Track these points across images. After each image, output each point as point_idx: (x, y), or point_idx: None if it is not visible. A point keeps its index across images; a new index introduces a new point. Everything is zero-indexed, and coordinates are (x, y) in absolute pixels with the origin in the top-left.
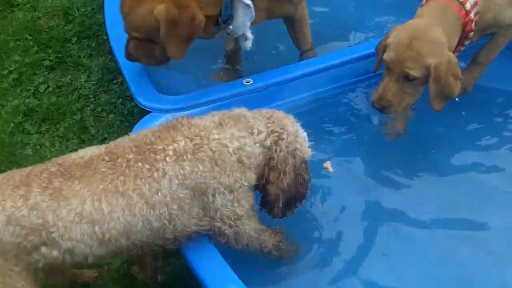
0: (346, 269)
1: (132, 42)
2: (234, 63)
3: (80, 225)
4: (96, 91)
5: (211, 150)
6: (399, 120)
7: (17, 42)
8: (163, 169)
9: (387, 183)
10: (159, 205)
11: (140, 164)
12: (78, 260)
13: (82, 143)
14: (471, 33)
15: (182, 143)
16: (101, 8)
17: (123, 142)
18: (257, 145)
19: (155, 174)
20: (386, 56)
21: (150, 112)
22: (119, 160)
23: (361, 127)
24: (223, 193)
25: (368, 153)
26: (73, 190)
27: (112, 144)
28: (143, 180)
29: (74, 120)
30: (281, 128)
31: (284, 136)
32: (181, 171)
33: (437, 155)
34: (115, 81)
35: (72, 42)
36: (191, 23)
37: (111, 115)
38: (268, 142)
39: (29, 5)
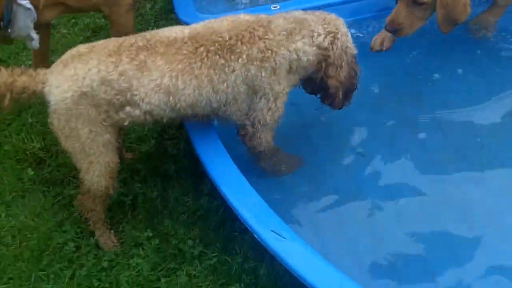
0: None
1: None
2: (43, 61)
3: (158, 93)
4: (157, 17)
5: (275, 61)
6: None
7: None
8: (233, 67)
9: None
10: (221, 93)
11: (217, 57)
12: (155, 119)
13: None
14: None
15: (255, 52)
16: None
17: (207, 30)
18: (314, 48)
19: (226, 69)
20: None
21: None
22: (201, 49)
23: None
24: (269, 99)
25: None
26: (155, 64)
27: (193, 29)
28: (215, 71)
29: None
30: (336, 29)
31: (339, 35)
32: (247, 73)
33: None
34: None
35: None
36: None
37: None
38: (325, 43)
39: None
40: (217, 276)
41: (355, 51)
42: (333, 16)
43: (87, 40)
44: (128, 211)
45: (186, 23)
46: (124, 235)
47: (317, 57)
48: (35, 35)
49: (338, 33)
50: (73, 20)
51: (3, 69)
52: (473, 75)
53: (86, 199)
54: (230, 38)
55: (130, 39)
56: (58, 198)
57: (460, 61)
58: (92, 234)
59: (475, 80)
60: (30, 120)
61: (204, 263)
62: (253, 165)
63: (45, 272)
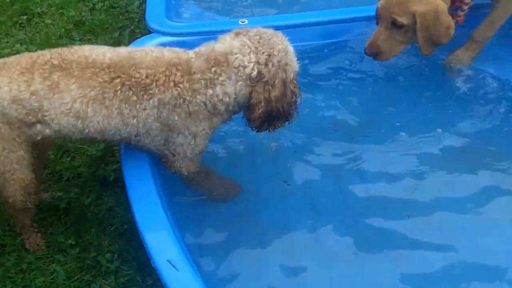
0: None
1: None
2: None
3: (67, 116)
4: (142, 16)
5: (188, 108)
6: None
7: None
8: (145, 105)
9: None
10: (132, 126)
11: (131, 92)
12: (65, 138)
13: None
14: None
15: (168, 97)
16: None
17: (128, 61)
18: (240, 83)
19: (138, 106)
20: (378, 4)
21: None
22: (117, 80)
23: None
24: (187, 136)
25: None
26: (68, 87)
27: (116, 56)
28: (126, 105)
29: (112, 37)
30: (271, 49)
31: (275, 53)
32: (159, 114)
33: None
34: None
35: None
36: None
37: None
38: (254, 72)
39: None
40: None
41: (296, 68)
42: (269, 32)
43: (67, 32)
44: (62, 215)
45: (153, 30)
46: (51, 239)
47: (247, 88)
48: None
49: (273, 51)
50: (60, 11)
51: None
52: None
53: (7, 208)
54: (147, 77)
55: (45, 55)
56: None
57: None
58: (20, 234)
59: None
60: None
61: (118, 280)
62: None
63: None
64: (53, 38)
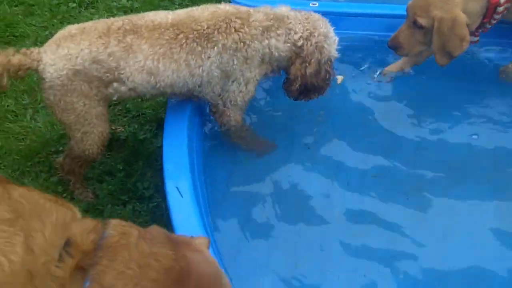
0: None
1: None
2: None
3: (141, 73)
4: None
5: (247, 52)
6: None
7: None
8: (209, 54)
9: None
10: (197, 76)
11: (195, 44)
12: (139, 95)
13: None
14: (501, 8)
15: (230, 42)
16: None
17: (188, 18)
18: (288, 45)
19: (202, 55)
20: (408, 3)
21: None
22: (181, 35)
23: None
24: (240, 83)
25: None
26: (140, 47)
27: (177, 16)
28: (193, 56)
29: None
30: (313, 28)
31: (316, 34)
32: (221, 59)
33: None
34: None
35: None
36: None
37: None
38: (300, 42)
39: None
40: (153, 218)
41: (333, 54)
42: (316, 16)
43: None
44: (120, 145)
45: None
46: (105, 161)
47: (290, 53)
48: None
49: (315, 32)
50: None
51: None
52: None
53: (70, 163)
54: (208, 28)
55: (118, 22)
56: None
57: None
58: None
59: None
60: None
61: (149, 204)
62: (225, 140)
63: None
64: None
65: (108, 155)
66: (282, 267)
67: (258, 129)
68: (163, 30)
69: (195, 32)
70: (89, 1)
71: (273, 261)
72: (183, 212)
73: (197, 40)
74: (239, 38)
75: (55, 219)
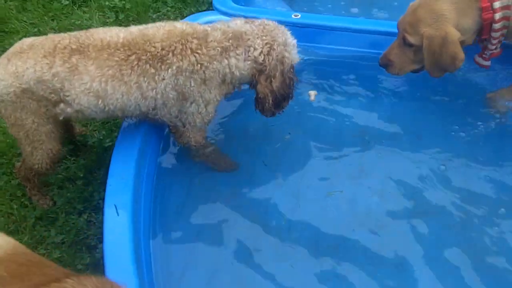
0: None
1: None
2: None
3: (87, 96)
4: None
5: (205, 74)
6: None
7: None
8: (163, 76)
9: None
10: (150, 99)
11: (148, 66)
12: (87, 118)
13: None
14: (496, 25)
15: (185, 64)
16: None
17: (142, 38)
18: (249, 62)
19: (156, 77)
20: (399, 19)
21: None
22: (132, 57)
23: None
24: (200, 105)
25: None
26: (86, 68)
27: (129, 34)
28: (145, 78)
29: (198, 10)
30: (272, 40)
31: (275, 46)
32: (176, 81)
33: None
34: None
35: None
36: None
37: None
38: (261, 58)
39: None
40: None
41: (294, 61)
42: (272, 25)
43: None
44: (87, 151)
45: (222, 13)
46: (68, 168)
47: (252, 70)
48: None
49: (274, 43)
50: None
51: None
52: None
53: (25, 171)
54: (163, 49)
55: (65, 40)
56: None
57: None
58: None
59: None
60: None
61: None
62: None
63: None
64: (149, 0)
65: (74, 160)
66: None
67: (223, 146)
68: (112, 50)
69: (148, 54)
70: (82, 0)
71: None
72: (116, 232)
73: (150, 61)
74: (196, 60)
75: None
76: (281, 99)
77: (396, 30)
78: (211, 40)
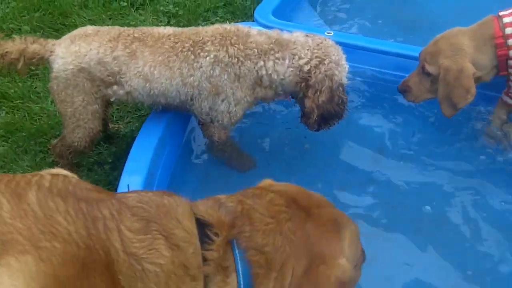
0: None
1: None
2: None
3: (138, 79)
4: None
5: (240, 70)
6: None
7: None
8: (201, 63)
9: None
10: (189, 86)
11: (189, 53)
12: (135, 101)
13: None
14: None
15: (222, 54)
16: None
17: (190, 30)
18: (291, 68)
19: (195, 64)
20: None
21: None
22: (178, 44)
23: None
24: (230, 103)
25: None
26: (142, 54)
27: (181, 29)
28: (186, 64)
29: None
30: (324, 56)
31: (326, 62)
32: (211, 72)
33: None
34: None
35: None
36: None
37: None
38: (306, 67)
39: None
40: None
41: (344, 81)
42: (329, 42)
43: (215, 8)
44: (118, 140)
45: (261, 25)
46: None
47: (295, 77)
48: None
49: (325, 59)
50: None
51: (17, 37)
52: None
53: (61, 148)
54: (205, 37)
55: (129, 30)
56: None
57: None
58: None
59: None
60: None
61: None
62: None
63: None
64: (201, 9)
65: (106, 147)
66: None
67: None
68: (165, 40)
69: (191, 41)
70: (139, 3)
71: None
72: None
73: (192, 48)
74: (233, 53)
75: (181, 211)
76: (329, 117)
77: None
78: (251, 41)
